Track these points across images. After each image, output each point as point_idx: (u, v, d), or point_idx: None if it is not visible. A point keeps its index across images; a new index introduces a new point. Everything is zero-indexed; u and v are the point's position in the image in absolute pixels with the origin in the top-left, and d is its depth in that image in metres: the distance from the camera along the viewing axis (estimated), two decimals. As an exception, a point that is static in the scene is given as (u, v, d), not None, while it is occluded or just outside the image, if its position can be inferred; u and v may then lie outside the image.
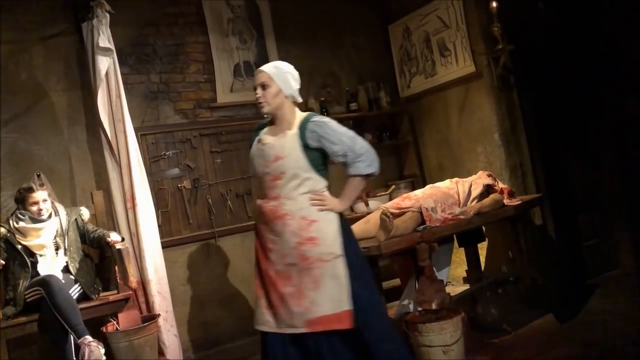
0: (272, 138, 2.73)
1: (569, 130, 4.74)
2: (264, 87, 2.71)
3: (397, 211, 3.60)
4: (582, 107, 4.74)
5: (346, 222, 2.77)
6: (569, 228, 4.58)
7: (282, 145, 2.66)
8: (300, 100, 2.81)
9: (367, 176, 2.74)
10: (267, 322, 2.65)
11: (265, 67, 2.76)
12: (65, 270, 3.53)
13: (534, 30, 4.58)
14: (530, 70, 4.59)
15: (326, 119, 2.74)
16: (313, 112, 2.97)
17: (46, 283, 3.23)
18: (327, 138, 2.65)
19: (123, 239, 3.63)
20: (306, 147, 2.65)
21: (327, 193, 2.72)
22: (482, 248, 4.45)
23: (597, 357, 3.11)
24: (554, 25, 4.57)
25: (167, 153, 4.47)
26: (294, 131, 2.69)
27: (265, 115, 2.82)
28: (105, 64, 3.92)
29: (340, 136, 2.65)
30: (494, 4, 4.38)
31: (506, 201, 3.99)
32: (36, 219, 3.51)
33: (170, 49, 4.64)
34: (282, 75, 2.72)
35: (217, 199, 4.64)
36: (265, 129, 2.82)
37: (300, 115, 2.76)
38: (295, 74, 2.80)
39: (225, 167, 4.74)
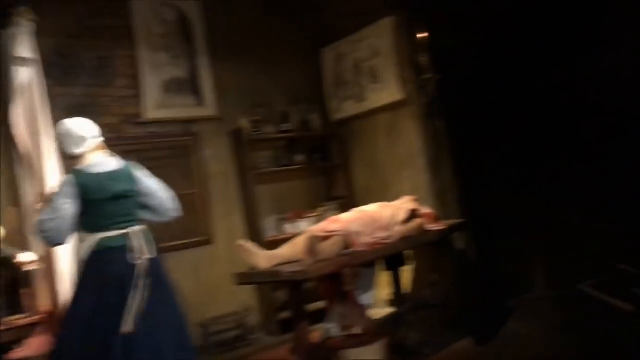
0: None
1: (492, 156, 4.94)
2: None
3: (324, 234, 3.61)
4: (505, 134, 4.96)
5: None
6: (489, 252, 4.75)
7: None
8: (74, 153, 3.03)
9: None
10: None
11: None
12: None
13: (462, 59, 4.76)
14: (457, 97, 4.75)
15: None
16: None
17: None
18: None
19: (34, 261, 3.44)
20: None
21: None
22: (407, 272, 4.53)
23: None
24: (481, 55, 4.77)
25: None
26: None
27: None
28: (26, 75, 3.73)
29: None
30: (423, 35, 4.53)
31: (430, 226, 4.10)
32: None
33: (96, 62, 4.50)
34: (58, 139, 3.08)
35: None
36: None
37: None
38: (67, 131, 3.04)
39: (151, 185, 4.60)
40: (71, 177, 2.96)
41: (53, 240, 2.92)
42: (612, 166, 4.76)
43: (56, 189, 2.96)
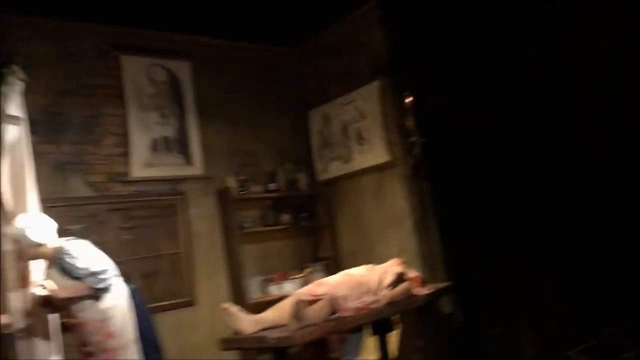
0: (46, 282, 3.38)
1: (479, 219, 4.98)
2: (19, 256, 3.40)
3: (310, 299, 3.56)
4: (492, 196, 5.01)
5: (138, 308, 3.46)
6: (476, 316, 4.70)
7: (56, 285, 3.35)
8: (45, 241, 3.40)
9: (93, 288, 3.31)
10: None
11: (9, 233, 3.38)
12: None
13: (447, 123, 4.86)
14: (443, 160, 4.82)
15: (66, 249, 3.40)
16: (60, 241, 3.48)
17: None
18: (66, 265, 3.35)
19: (12, 323, 3.33)
20: (66, 272, 3.34)
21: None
22: (394, 336, 4.45)
23: None
24: (467, 116, 4.88)
25: (73, 227, 4.23)
26: (54, 269, 3.41)
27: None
28: (12, 133, 3.73)
29: (74, 261, 3.35)
30: (408, 99, 4.63)
31: (417, 290, 4.05)
32: None
33: (85, 119, 4.53)
34: (19, 235, 3.35)
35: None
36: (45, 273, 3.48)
37: (54, 249, 3.42)
38: (34, 222, 3.41)
39: (134, 244, 4.56)
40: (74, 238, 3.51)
41: (110, 286, 3.34)
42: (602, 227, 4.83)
43: (79, 248, 3.40)
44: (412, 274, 4.20)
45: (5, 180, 3.70)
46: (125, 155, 4.67)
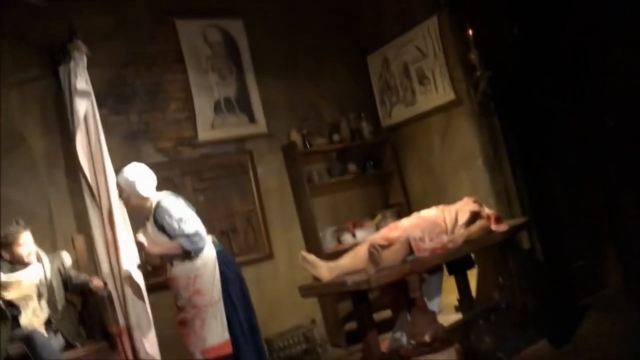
0: (142, 230, 3.56)
1: (551, 152, 4.78)
2: (119, 194, 3.61)
3: (385, 243, 3.55)
4: (563, 128, 4.80)
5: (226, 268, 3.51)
6: (556, 250, 4.57)
7: (148, 236, 3.47)
8: (149, 196, 3.52)
9: (184, 249, 3.40)
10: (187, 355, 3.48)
11: (118, 178, 3.57)
12: (48, 320, 3.41)
13: (512, 55, 4.64)
14: (510, 94, 4.63)
15: (165, 205, 3.46)
16: (162, 196, 3.57)
17: (29, 339, 3.11)
18: (164, 222, 3.42)
19: (106, 285, 3.53)
20: (161, 228, 3.43)
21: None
22: (472, 275, 4.40)
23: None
24: (531, 49, 4.64)
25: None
26: (150, 220, 3.49)
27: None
28: (84, 107, 3.88)
29: (171, 221, 3.41)
30: (470, 32, 4.43)
31: (493, 227, 3.96)
32: (15, 268, 3.40)
33: (149, 88, 4.62)
34: (130, 184, 3.47)
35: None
36: (143, 222, 3.60)
37: (153, 203, 3.50)
38: (144, 176, 3.51)
39: (209, 205, 4.68)
40: (177, 197, 3.59)
41: (202, 249, 3.44)
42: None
43: (179, 207, 3.48)
44: (487, 211, 4.12)
45: (82, 152, 3.89)
46: (191, 119, 4.76)
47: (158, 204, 3.49)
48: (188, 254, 3.42)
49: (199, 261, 3.43)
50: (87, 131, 3.94)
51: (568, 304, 4.40)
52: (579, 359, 3.47)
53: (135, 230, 3.73)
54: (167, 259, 3.49)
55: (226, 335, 3.38)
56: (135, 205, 3.57)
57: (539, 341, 3.76)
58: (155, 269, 3.76)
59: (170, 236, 3.42)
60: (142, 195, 3.51)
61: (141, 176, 3.52)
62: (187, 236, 3.40)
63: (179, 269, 3.44)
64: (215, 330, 3.37)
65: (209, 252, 3.48)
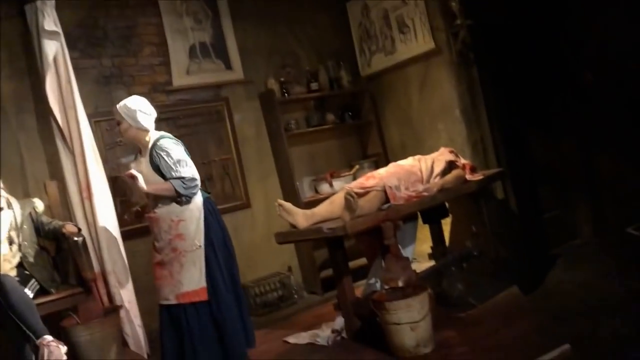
0: (134, 164, 3.48)
1: (529, 104, 4.79)
2: (118, 123, 3.42)
3: (361, 191, 3.58)
4: (541, 81, 4.80)
5: (211, 216, 3.43)
6: (530, 200, 4.64)
7: (140, 172, 3.34)
8: (149, 129, 3.40)
9: (177, 192, 3.28)
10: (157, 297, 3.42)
11: (118, 106, 3.40)
12: (20, 265, 3.38)
13: (493, 5, 4.57)
14: (490, 45, 4.58)
15: (165, 145, 3.34)
16: (162, 135, 3.45)
17: (-1, 283, 3.08)
18: (161, 161, 3.31)
19: (80, 230, 3.50)
20: (156, 168, 3.32)
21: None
22: (446, 224, 4.47)
23: (560, 326, 3.16)
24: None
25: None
26: (146, 157, 3.38)
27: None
28: (53, 49, 3.75)
29: (168, 161, 3.30)
30: (451, -21, 4.35)
31: (468, 177, 4.01)
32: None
33: (122, 31, 4.48)
34: (130, 113, 3.34)
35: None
36: (138, 156, 3.51)
37: (152, 139, 3.39)
38: (145, 108, 3.40)
39: (185, 151, 4.63)
40: (177, 141, 3.46)
41: (194, 195, 3.35)
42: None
43: (178, 149, 3.36)
44: (463, 161, 4.15)
45: (52, 96, 3.77)
46: (165, 64, 4.64)
47: (157, 142, 3.36)
48: (178, 198, 3.30)
49: (185, 206, 3.33)
50: (58, 74, 3.81)
51: (539, 253, 4.50)
52: (545, 305, 3.56)
53: (126, 167, 3.64)
54: (153, 199, 3.38)
55: (203, 282, 3.32)
56: (132, 137, 3.42)
57: (509, 288, 3.85)
58: (138, 215, 3.65)
59: (165, 177, 3.29)
60: (142, 127, 3.37)
61: (143, 107, 3.40)
62: (183, 180, 3.27)
63: (163, 211, 3.33)
64: (192, 276, 3.31)
65: (196, 198, 3.38)
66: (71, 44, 4.04)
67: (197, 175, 3.36)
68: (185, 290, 3.29)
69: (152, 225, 3.41)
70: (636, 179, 4.71)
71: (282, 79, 5.08)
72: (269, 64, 5.15)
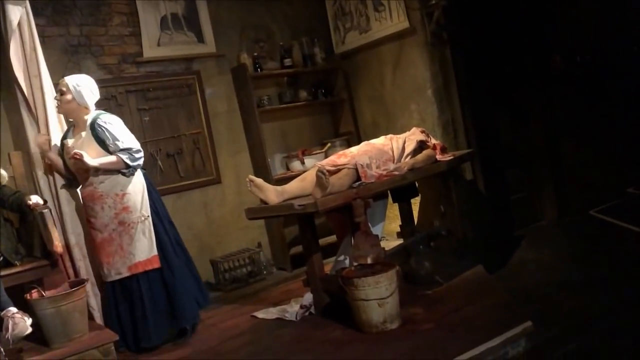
0: (72, 141, 3.47)
1: (499, 86, 4.85)
2: (61, 93, 3.45)
3: (332, 168, 3.59)
4: (512, 64, 4.85)
5: (151, 188, 3.57)
6: (497, 182, 4.72)
7: (81, 146, 3.36)
8: (91, 109, 3.48)
9: (126, 164, 3.37)
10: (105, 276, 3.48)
11: (67, 79, 3.47)
12: (-17, 237, 3.30)
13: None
14: (463, 26, 4.60)
15: (108, 119, 3.42)
16: (100, 112, 3.51)
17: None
18: (106, 135, 3.37)
19: (45, 202, 3.43)
20: (101, 142, 3.36)
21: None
22: (415, 203, 4.52)
23: (523, 304, 3.25)
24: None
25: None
26: (87, 133, 3.41)
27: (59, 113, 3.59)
28: (17, 14, 3.60)
29: (114, 135, 3.36)
30: (428, -42, 4.33)
31: (438, 157, 4.05)
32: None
33: (90, -1, 4.35)
34: (80, 89, 3.43)
35: (146, 160, 4.42)
36: (70, 134, 3.54)
37: (90, 116, 3.44)
38: (94, 88, 3.51)
39: (154, 125, 4.56)
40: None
41: (140, 166, 3.46)
42: (620, 94, 4.70)
43: (121, 123, 3.45)
44: (433, 141, 4.19)
45: (17, 64, 3.65)
46: (136, 35, 4.54)
47: (98, 117, 3.41)
48: (125, 170, 3.38)
49: (129, 178, 3.42)
50: (22, 41, 3.67)
51: (505, 233, 4.60)
52: (508, 283, 3.65)
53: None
54: (93, 175, 3.40)
55: (154, 251, 3.43)
56: (71, 110, 3.47)
57: (475, 267, 3.94)
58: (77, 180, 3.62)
59: (110, 151, 3.36)
60: (85, 104, 3.45)
61: (93, 88, 3.50)
62: (130, 151, 3.37)
63: (106, 185, 3.39)
64: (143, 246, 3.42)
65: (138, 171, 3.50)
66: (37, 10, 3.91)
67: (138, 144, 3.46)
68: (138, 260, 3.40)
69: (92, 203, 3.43)
70: (600, 163, 4.84)
71: (255, 54, 5.02)
72: (242, 38, 5.08)
